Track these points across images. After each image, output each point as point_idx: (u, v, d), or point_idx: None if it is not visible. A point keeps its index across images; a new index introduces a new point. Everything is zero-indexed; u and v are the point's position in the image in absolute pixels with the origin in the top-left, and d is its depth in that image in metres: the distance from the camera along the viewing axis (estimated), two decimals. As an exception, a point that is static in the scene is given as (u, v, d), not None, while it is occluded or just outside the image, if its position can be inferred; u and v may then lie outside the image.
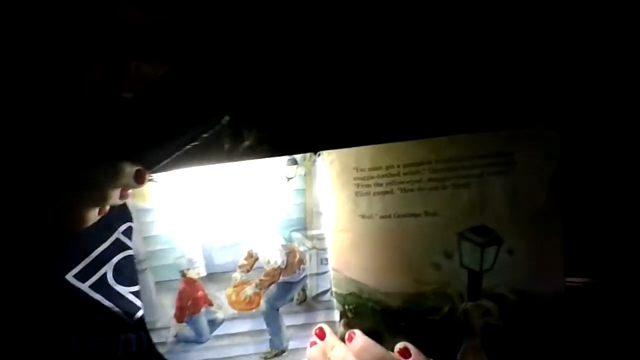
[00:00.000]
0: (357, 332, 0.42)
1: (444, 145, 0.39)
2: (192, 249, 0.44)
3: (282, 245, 0.44)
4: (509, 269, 0.38)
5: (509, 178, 0.38)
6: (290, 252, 0.44)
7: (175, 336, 0.44)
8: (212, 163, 0.42)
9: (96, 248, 0.45)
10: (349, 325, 0.43)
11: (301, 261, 0.44)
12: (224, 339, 0.44)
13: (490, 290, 0.39)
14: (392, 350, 0.41)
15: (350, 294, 0.43)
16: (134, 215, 0.44)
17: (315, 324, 0.44)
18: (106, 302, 0.45)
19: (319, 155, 0.43)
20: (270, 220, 0.44)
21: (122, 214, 0.42)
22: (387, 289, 0.42)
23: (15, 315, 0.42)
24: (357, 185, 0.42)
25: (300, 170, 0.44)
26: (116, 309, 0.45)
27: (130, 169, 0.38)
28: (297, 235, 0.44)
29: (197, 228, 0.44)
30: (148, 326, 0.43)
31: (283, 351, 0.44)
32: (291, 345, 0.44)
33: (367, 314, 0.42)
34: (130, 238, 0.46)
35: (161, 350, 0.43)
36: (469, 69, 0.48)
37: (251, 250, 0.44)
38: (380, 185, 0.41)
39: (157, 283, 0.45)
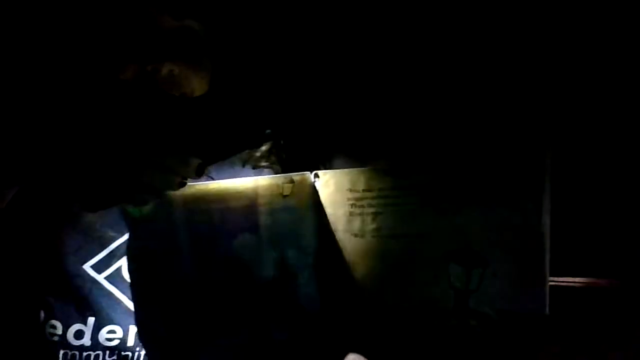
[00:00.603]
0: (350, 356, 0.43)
1: (433, 170, 0.41)
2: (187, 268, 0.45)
3: (274, 259, 0.45)
4: (494, 290, 0.40)
5: (494, 203, 0.40)
6: (284, 268, 0.46)
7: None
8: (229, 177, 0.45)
9: (113, 242, 0.48)
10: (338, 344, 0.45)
11: (294, 276, 0.46)
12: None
13: (477, 309, 0.41)
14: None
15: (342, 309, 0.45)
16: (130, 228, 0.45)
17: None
18: (119, 294, 0.48)
19: (315, 174, 0.45)
20: (265, 237, 0.45)
21: None
22: (377, 304, 0.43)
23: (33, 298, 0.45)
24: (351, 205, 0.44)
25: (295, 189, 0.46)
26: (129, 301, 0.47)
27: (194, 161, 0.41)
28: (290, 250, 0.46)
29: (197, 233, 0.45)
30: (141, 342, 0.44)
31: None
32: None
33: (357, 329, 0.44)
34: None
35: None
36: (457, 95, 0.50)
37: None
38: (373, 206, 0.43)
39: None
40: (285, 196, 0.46)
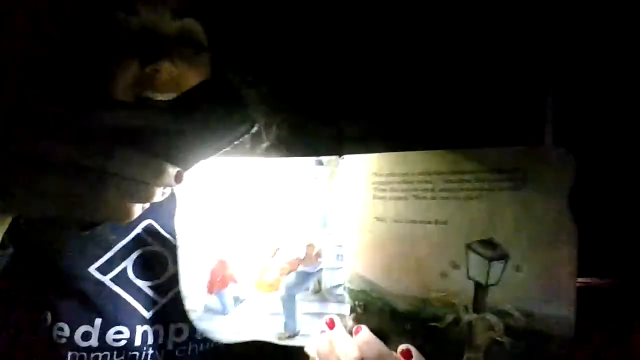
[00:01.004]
0: (363, 327, 0.44)
1: (459, 157, 0.40)
2: (225, 233, 0.50)
3: (303, 239, 0.48)
4: (516, 286, 0.38)
5: (519, 195, 0.37)
6: (309, 246, 0.48)
7: (204, 306, 0.50)
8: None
9: (116, 244, 0.48)
10: (357, 321, 0.46)
11: (319, 255, 0.48)
12: (245, 315, 0.49)
13: (495, 305, 0.39)
14: (395, 351, 0.42)
15: (361, 291, 0.46)
16: (178, 197, 0.51)
17: (327, 314, 0.47)
18: (125, 295, 0.49)
19: (343, 158, 0.46)
20: (295, 214, 0.48)
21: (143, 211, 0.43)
22: (395, 290, 0.43)
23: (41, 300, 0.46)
24: (375, 189, 0.44)
25: (325, 171, 0.47)
26: (134, 302, 0.49)
27: (172, 170, 0.37)
28: (317, 230, 0.48)
29: (232, 216, 0.49)
30: (183, 294, 0.50)
31: (295, 335, 0.48)
32: (303, 330, 0.48)
33: (375, 312, 0.45)
34: (150, 235, 0.50)
35: (192, 316, 0.50)
36: (488, 87, 0.47)
37: (274, 240, 0.49)
38: (396, 190, 0.43)
39: (193, 257, 0.51)
40: (315, 178, 0.48)
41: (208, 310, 0.50)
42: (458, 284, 0.40)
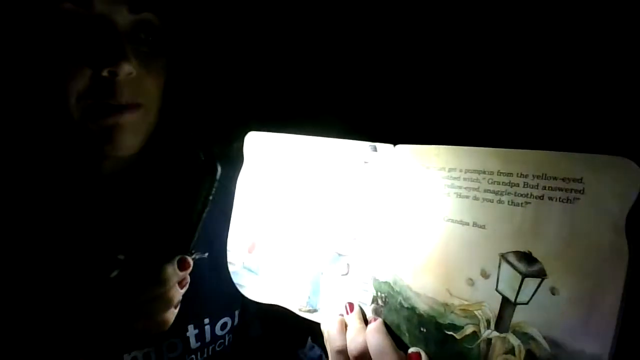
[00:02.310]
0: (379, 320, 0.43)
1: (510, 157, 0.37)
2: (274, 201, 0.53)
3: (343, 220, 0.48)
4: (548, 310, 0.33)
5: (573, 207, 0.33)
6: (346, 227, 0.48)
7: (242, 263, 0.53)
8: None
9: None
10: (376, 312, 0.44)
11: (354, 239, 0.48)
12: (275, 280, 0.51)
13: (521, 327, 0.35)
14: (405, 351, 0.40)
15: (386, 282, 0.44)
16: (245, 159, 0.55)
17: (349, 298, 0.47)
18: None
19: (396, 147, 0.46)
20: (338, 193, 0.49)
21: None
22: (418, 289, 0.41)
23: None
24: (418, 181, 0.43)
25: (377, 158, 0.48)
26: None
27: (172, 267, 0.38)
28: (357, 214, 0.48)
29: (283, 186, 0.52)
30: (228, 248, 0.54)
31: (315, 310, 0.48)
32: (323, 308, 0.48)
33: (394, 307, 0.43)
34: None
35: (231, 269, 0.53)
36: (553, 86, 0.42)
37: (317, 216, 0.50)
38: (439, 186, 0.41)
39: (245, 217, 0.55)
40: (365, 163, 0.48)
41: (245, 267, 0.53)
42: (484, 295, 0.37)
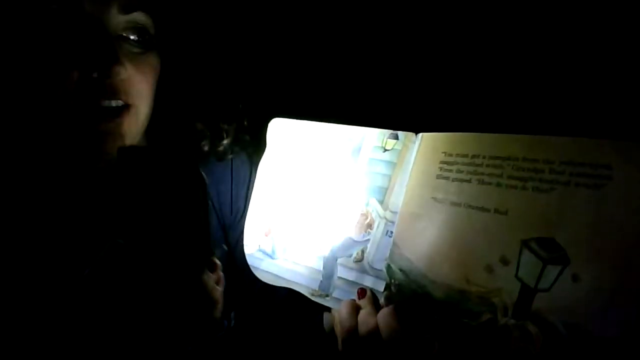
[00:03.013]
0: (391, 307, 0.42)
1: (535, 143, 0.36)
2: (292, 186, 0.53)
3: (359, 206, 0.48)
4: (569, 297, 0.33)
5: (599, 194, 0.33)
6: (363, 214, 0.48)
7: (258, 245, 0.53)
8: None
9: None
10: (388, 299, 0.44)
11: (369, 225, 0.48)
12: (289, 264, 0.51)
13: (540, 313, 0.34)
14: (418, 339, 0.40)
15: (400, 270, 0.44)
16: (268, 145, 0.56)
17: (362, 285, 0.46)
18: None
19: (418, 135, 0.46)
20: (356, 180, 0.49)
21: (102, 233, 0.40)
22: (434, 276, 0.41)
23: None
24: (440, 168, 0.43)
25: (397, 146, 0.48)
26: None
27: (206, 275, 0.39)
28: (374, 201, 0.48)
29: (302, 171, 0.52)
30: (245, 228, 0.54)
31: (327, 295, 0.48)
32: (335, 293, 0.48)
33: (408, 294, 0.42)
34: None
35: (246, 251, 0.53)
36: (580, 72, 0.42)
37: (334, 201, 0.50)
38: (461, 172, 0.41)
39: (262, 201, 0.55)
40: (386, 150, 0.48)
41: (260, 250, 0.53)
42: (503, 282, 0.36)
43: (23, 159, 0.40)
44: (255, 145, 0.55)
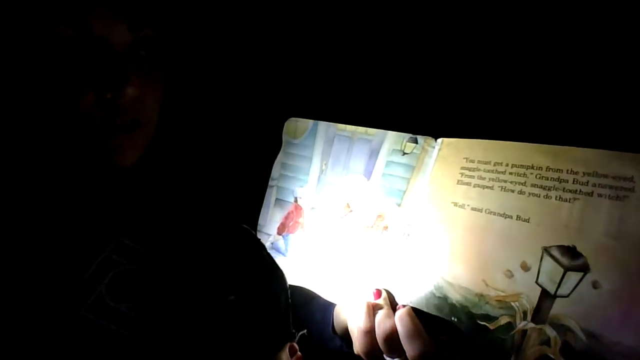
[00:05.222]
0: (407, 306, 0.43)
1: (560, 154, 0.38)
2: (309, 185, 0.54)
3: (376, 207, 0.49)
4: (587, 303, 0.34)
5: (622, 205, 0.34)
6: (379, 216, 0.49)
7: (271, 244, 0.54)
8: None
9: (84, 273, 0.38)
10: (405, 300, 0.45)
11: (386, 227, 0.48)
12: (301, 262, 0.52)
13: (559, 319, 0.35)
14: (434, 339, 0.41)
15: (417, 271, 0.45)
16: (283, 144, 0.56)
17: (376, 285, 0.47)
18: (102, 321, 0.37)
19: (438, 140, 0.47)
20: (375, 182, 0.50)
21: (108, 233, 0.40)
22: (453, 279, 0.42)
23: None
24: (462, 174, 0.44)
25: (417, 150, 0.48)
26: (113, 326, 0.38)
27: (285, 354, 0.42)
28: (392, 203, 0.49)
29: (317, 171, 0.53)
30: (258, 228, 0.55)
31: (341, 295, 0.49)
32: (349, 293, 0.48)
33: (425, 295, 0.43)
34: (120, 254, 0.40)
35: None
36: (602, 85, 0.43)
37: (349, 203, 0.51)
38: (483, 179, 0.42)
39: (277, 199, 0.56)
40: (405, 153, 0.49)
41: (272, 248, 0.54)
42: (522, 287, 0.37)
43: (36, 168, 0.40)
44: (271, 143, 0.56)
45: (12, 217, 0.37)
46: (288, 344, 0.45)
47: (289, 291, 0.46)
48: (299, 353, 0.46)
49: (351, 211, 0.50)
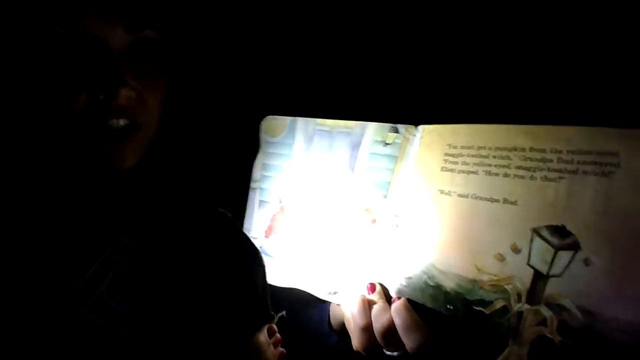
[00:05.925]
0: (402, 299, 0.43)
1: (542, 133, 0.37)
2: (294, 184, 0.53)
3: (362, 203, 0.48)
4: (580, 281, 0.34)
5: (608, 181, 0.34)
6: (366, 210, 0.48)
7: (260, 247, 0.52)
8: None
9: (85, 273, 0.38)
10: (400, 292, 0.44)
11: (373, 220, 0.48)
12: (292, 264, 0.51)
13: (554, 299, 0.35)
14: (432, 329, 0.40)
15: (409, 262, 0.44)
16: (262, 144, 0.55)
17: (369, 280, 0.46)
18: (102, 321, 0.37)
19: (419, 128, 0.46)
20: (359, 175, 0.49)
21: (109, 232, 0.40)
22: (445, 267, 0.42)
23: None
24: (445, 160, 0.43)
25: (398, 139, 0.48)
26: (112, 326, 0.37)
27: (263, 335, 0.43)
28: (377, 195, 0.48)
29: (298, 167, 0.52)
30: (244, 231, 0.53)
31: (335, 292, 0.48)
32: (343, 289, 0.48)
33: (419, 285, 0.43)
34: (121, 254, 0.40)
35: None
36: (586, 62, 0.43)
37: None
38: (467, 164, 0.42)
39: (261, 202, 0.54)
40: (387, 144, 0.48)
41: (262, 252, 0.53)
42: (515, 270, 0.37)
43: (33, 169, 0.40)
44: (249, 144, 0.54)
45: (13, 217, 0.37)
46: (267, 325, 0.45)
47: (266, 272, 0.46)
48: (278, 335, 0.46)
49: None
